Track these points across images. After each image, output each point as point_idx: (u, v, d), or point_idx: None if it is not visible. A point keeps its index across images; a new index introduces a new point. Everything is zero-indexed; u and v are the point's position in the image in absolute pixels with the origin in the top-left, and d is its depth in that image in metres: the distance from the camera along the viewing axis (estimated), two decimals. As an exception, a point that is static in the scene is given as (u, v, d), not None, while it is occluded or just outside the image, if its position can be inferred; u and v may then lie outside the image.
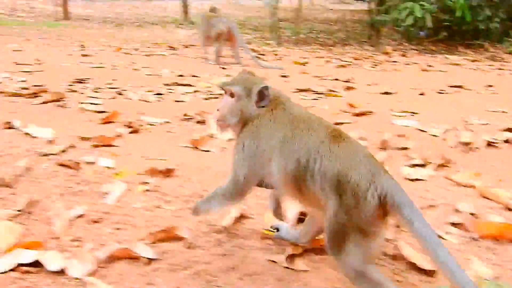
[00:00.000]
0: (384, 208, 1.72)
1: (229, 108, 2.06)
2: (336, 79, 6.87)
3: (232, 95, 2.07)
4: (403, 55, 10.53)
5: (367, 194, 1.71)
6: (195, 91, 5.55)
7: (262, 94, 2.02)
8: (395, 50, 11.25)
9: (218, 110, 2.09)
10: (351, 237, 1.72)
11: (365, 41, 12.96)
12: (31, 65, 7.03)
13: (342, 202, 1.72)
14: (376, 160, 1.83)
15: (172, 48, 10.31)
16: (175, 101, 5.00)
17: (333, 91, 5.83)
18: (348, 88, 6.10)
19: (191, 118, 4.25)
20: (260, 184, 2.03)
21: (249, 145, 1.97)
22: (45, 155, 3.13)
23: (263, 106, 2.03)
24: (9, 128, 3.66)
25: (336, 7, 25.74)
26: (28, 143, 3.35)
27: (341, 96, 5.59)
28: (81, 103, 4.58)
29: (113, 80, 6.00)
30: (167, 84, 5.91)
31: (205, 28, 7.98)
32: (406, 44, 12.09)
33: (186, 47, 10.59)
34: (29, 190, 2.63)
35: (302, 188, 1.85)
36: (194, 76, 6.66)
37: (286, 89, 5.88)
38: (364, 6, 15.59)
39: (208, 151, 3.48)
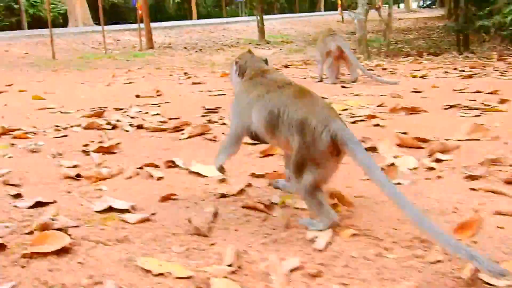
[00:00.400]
0: (335, 145, 2.30)
1: (230, 75, 2.92)
2: (478, 91, 6.30)
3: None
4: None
5: (322, 134, 2.30)
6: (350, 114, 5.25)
7: (238, 66, 2.79)
8: (502, 56, 10.44)
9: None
10: (308, 166, 2.33)
11: (449, 48, 12.28)
12: (153, 97, 7.09)
13: (303, 140, 2.33)
14: (332, 109, 2.45)
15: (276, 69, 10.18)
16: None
17: (488, 105, 5.29)
18: (503, 101, 5.50)
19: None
20: (253, 138, 2.67)
21: (236, 103, 2.72)
22: (225, 196, 2.93)
23: (241, 76, 2.77)
24: (173, 167, 3.53)
25: (402, 15, 25.04)
26: (200, 183, 3.18)
27: (504, 111, 5.04)
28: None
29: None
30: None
31: (322, 48, 7.94)
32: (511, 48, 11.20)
33: (287, 67, 10.46)
34: (227, 239, 2.41)
35: (276, 133, 2.48)
36: (324, 97, 6.39)
37: (432, 106, 5.45)
38: (434, 13, 15.03)
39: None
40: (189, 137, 4.47)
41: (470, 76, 7.88)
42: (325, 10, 55.40)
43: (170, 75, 10.52)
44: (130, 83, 9.05)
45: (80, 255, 2.28)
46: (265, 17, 21.94)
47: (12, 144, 4.42)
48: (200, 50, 17.78)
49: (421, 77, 8.20)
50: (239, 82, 2.77)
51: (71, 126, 5.12)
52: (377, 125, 4.70)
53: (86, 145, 4.25)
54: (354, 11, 13.08)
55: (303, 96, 2.47)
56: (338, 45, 7.65)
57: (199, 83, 8.58)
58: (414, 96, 6.26)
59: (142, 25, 17.96)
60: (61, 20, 36.82)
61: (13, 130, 4.90)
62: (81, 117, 5.69)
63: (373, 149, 3.78)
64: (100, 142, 4.32)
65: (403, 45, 13.89)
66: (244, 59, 2.82)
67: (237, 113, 2.69)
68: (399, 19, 24.16)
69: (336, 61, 7.87)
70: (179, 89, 7.79)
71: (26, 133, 4.84)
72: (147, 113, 5.73)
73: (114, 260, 2.23)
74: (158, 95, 7.17)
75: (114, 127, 5.03)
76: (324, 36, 8.06)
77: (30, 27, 33.34)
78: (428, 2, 68.86)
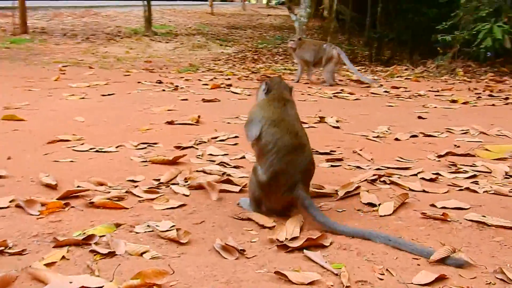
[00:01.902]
0: (293, 203, 3.19)
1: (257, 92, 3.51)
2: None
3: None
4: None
5: (284, 194, 3.12)
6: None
7: (267, 86, 3.36)
8: (467, 73, 11.22)
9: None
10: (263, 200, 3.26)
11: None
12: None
13: (269, 183, 3.15)
14: (307, 172, 3.18)
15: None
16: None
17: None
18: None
19: None
20: None
21: (255, 111, 3.31)
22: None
23: (266, 95, 3.35)
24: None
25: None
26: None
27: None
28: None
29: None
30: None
31: (317, 53, 9.53)
32: (474, 65, 11.98)
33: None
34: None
35: (262, 155, 3.22)
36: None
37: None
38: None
39: None
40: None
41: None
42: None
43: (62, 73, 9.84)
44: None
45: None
46: (127, 2, 21.21)
47: None
48: (87, 39, 16.83)
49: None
50: (263, 98, 3.36)
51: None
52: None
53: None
54: (296, 12, 13.55)
55: (294, 146, 3.10)
56: (339, 52, 9.33)
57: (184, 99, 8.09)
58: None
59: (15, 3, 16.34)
60: None
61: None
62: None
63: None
64: None
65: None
66: (274, 82, 3.41)
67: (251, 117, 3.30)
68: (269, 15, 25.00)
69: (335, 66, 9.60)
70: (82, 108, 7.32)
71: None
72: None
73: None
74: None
75: None
76: (316, 42, 10.01)
77: None
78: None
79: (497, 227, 3.00)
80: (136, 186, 3.69)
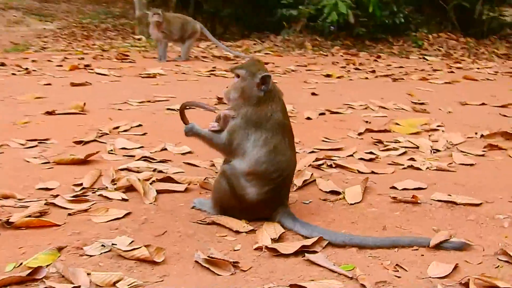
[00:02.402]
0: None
1: (233, 86, 2.80)
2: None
3: (238, 76, 2.79)
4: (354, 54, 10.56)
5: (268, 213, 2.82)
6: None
7: (265, 80, 2.72)
8: (315, 46, 11.27)
9: (226, 87, 2.84)
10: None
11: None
12: None
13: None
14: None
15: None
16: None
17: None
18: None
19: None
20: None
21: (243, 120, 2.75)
22: None
23: (263, 91, 2.74)
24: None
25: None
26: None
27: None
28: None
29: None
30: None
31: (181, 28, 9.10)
32: (320, 39, 12.11)
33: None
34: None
35: None
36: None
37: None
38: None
39: None
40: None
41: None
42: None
43: None
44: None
45: None
46: None
47: None
48: None
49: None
50: (255, 98, 2.76)
51: None
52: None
53: None
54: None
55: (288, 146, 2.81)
56: (201, 27, 9.28)
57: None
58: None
59: None
60: None
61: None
62: None
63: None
64: None
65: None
66: (272, 80, 2.80)
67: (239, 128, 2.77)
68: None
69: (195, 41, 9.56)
70: None
71: None
72: None
73: None
74: None
75: None
76: (180, 16, 9.61)
77: None
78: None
79: (465, 205, 3.01)
80: (56, 196, 3.04)
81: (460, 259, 2.44)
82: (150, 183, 3.19)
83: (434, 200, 3.07)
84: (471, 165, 3.77)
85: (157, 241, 2.56)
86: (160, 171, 3.47)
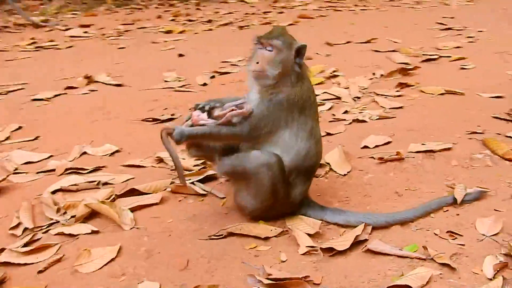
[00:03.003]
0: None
1: (269, 60, 2.32)
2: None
3: (270, 48, 2.33)
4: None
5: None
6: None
7: (300, 51, 2.35)
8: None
9: (257, 62, 2.33)
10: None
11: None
12: None
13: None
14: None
15: None
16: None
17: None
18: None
19: None
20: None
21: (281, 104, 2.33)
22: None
23: (299, 65, 2.36)
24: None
25: None
26: None
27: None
28: None
29: None
30: None
31: None
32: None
33: None
34: None
35: None
36: None
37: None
38: None
39: None
40: None
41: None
42: None
43: None
44: None
45: None
46: None
47: None
48: None
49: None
50: (294, 74, 2.36)
51: None
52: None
53: None
54: None
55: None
56: None
57: None
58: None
59: None
60: None
61: None
62: None
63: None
64: None
65: None
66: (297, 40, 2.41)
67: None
68: None
69: None
70: None
71: None
72: None
73: None
74: None
75: None
76: None
77: None
78: None
79: (441, 151, 3.06)
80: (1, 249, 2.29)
81: (487, 210, 2.47)
82: (112, 201, 2.60)
83: (413, 152, 3.07)
84: (401, 107, 3.87)
85: (187, 276, 2.11)
86: (106, 183, 2.85)
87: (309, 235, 2.31)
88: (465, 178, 2.78)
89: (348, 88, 4.32)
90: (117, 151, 3.30)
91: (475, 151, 3.04)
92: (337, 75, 4.72)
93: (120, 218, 2.48)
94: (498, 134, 3.25)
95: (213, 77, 4.91)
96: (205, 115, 2.39)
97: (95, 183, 2.86)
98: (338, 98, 4.13)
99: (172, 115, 3.87)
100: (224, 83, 4.72)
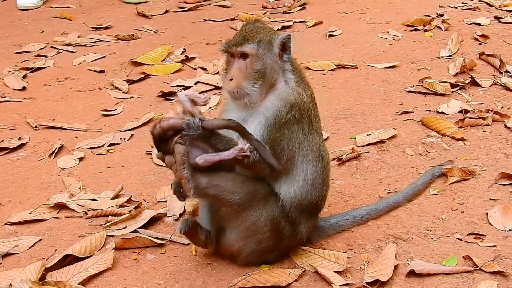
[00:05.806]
0: None
1: (245, 74, 1.82)
2: None
3: (244, 56, 1.84)
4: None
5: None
6: None
7: (285, 45, 1.88)
8: None
9: (231, 79, 1.84)
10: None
11: None
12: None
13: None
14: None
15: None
16: None
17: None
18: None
19: None
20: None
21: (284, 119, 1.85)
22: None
23: (288, 61, 1.89)
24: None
25: None
26: None
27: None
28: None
29: None
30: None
31: None
32: None
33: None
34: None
35: None
36: None
37: None
38: None
39: None
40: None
41: None
42: None
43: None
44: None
45: None
46: None
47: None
48: None
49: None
50: (281, 76, 1.87)
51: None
52: None
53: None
54: None
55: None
56: None
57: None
58: None
59: None
60: None
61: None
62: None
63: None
64: None
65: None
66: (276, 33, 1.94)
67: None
68: None
69: None
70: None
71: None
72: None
73: None
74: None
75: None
76: None
77: None
78: None
79: (389, 140, 2.93)
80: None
81: (484, 200, 2.43)
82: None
83: (363, 146, 2.91)
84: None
85: None
86: (7, 254, 2.05)
87: (337, 272, 1.98)
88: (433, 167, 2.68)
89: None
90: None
91: (422, 135, 2.99)
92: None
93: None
94: (428, 111, 3.22)
95: (24, 76, 3.91)
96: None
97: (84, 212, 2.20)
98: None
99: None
100: (48, 83, 3.82)
